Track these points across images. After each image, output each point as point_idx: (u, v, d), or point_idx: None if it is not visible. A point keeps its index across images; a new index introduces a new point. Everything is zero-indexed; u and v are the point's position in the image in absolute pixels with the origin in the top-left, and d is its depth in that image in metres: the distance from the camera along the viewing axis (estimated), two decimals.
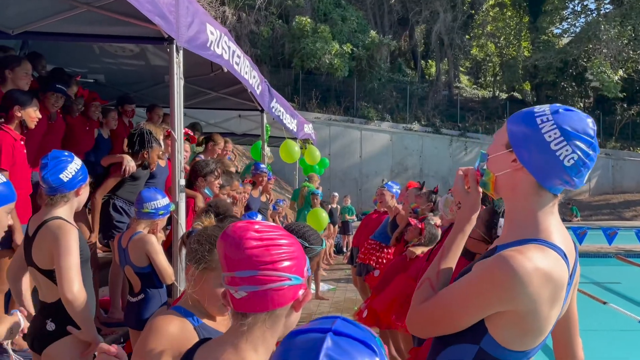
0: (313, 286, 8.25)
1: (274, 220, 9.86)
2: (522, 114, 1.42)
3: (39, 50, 6.58)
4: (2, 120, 3.61)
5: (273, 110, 7.28)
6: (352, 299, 8.21)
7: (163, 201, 3.43)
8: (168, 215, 3.58)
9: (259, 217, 3.93)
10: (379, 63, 26.14)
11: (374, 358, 0.91)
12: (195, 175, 4.66)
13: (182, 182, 3.81)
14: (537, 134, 1.35)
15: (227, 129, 9.73)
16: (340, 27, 25.07)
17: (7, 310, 3.45)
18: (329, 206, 12.38)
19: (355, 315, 4.57)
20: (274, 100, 7.29)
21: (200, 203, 4.44)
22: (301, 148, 10.73)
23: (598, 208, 25.18)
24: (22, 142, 3.63)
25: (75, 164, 2.49)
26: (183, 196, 3.82)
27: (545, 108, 1.39)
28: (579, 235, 10.00)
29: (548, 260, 1.33)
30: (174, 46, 3.78)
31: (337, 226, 12.41)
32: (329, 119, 23.75)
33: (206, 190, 4.62)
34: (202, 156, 6.11)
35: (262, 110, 7.24)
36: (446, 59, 30.32)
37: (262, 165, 6.86)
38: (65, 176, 2.44)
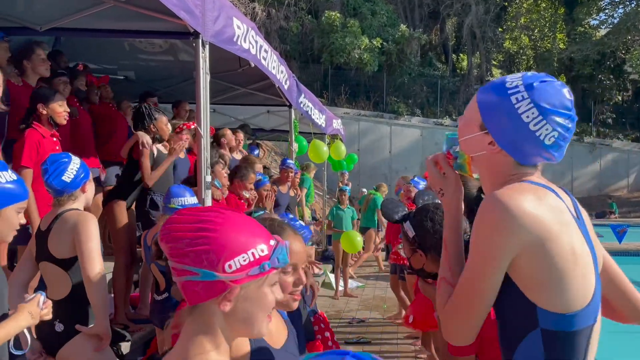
0: (342, 283, 8.16)
1: (302, 218, 9.80)
2: (494, 89, 1.35)
3: (71, 47, 6.66)
4: (32, 118, 3.64)
5: (301, 105, 7.21)
6: (381, 297, 8.09)
7: (191, 199, 3.42)
8: None
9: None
10: (409, 57, 25.81)
11: None
12: None
13: (209, 178, 3.77)
14: (514, 115, 1.30)
15: (256, 124, 9.70)
16: (369, 22, 24.83)
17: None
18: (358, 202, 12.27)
19: (404, 322, 4.45)
20: (302, 95, 7.22)
21: (216, 195, 4.39)
22: (328, 144, 10.66)
23: (637, 204, 24.35)
24: (54, 139, 3.64)
25: (74, 164, 2.52)
26: (209, 193, 3.78)
27: (518, 82, 1.32)
28: (618, 233, 9.63)
29: (534, 189, 1.32)
30: (200, 40, 3.74)
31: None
32: (358, 114, 23.58)
33: (215, 182, 4.56)
34: (223, 152, 6.11)
35: (290, 106, 7.17)
36: (478, 53, 29.75)
37: (289, 161, 6.80)
38: (68, 177, 2.48)
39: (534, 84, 1.30)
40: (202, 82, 3.77)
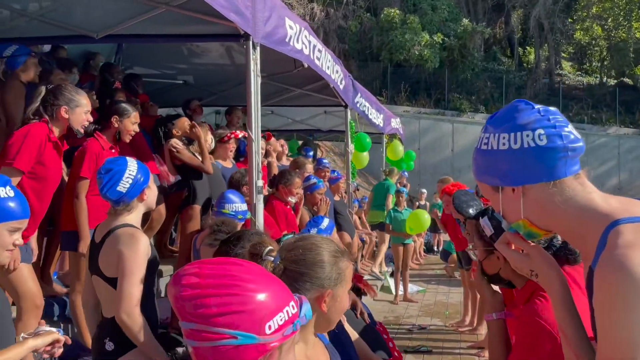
0: (401, 287, 7.93)
1: (360, 218, 9.64)
2: (475, 156, 1.28)
3: (132, 53, 6.83)
4: (98, 127, 3.69)
5: (357, 105, 7.06)
6: (442, 302, 7.80)
7: (243, 206, 3.37)
8: (242, 223, 3.50)
9: (326, 222, 3.72)
10: (472, 52, 25.04)
11: None
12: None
13: (260, 183, 3.69)
14: (495, 153, 1.21)
15: (313, 125, 9.64)
16: (430, 17, 24.29)
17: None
18: (417, 203, 11.97)
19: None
20: (359, 95, 7.06)
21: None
22: (386, 143, 10.44)
23: None
24: (112, 151, 3.67)
25: (130, 170, 2.38)
26: (261, 197, 3.70)
27: (481, 134, 1.27)
28: None
29: None
30: (250, 42, 3.66)
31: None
32: (419, 112, 23.10)
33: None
34: (270, 160, 6.09)
35: (346, 106, 7.03)
36: (546, 45, 28.44)
37: (325, 160, 6.68)
38: (123, 187, 2.36)
39: (491, 119, 1.26)
40: (253, 85, 3.71)
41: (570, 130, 1.19)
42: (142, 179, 2.41)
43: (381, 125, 8.69)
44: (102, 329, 2.42)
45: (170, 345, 4.26)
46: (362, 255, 9.34)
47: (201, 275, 0.97)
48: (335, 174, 6.72)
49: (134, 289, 2.26)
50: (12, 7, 3.95)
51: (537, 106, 1.22)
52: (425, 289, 8.75)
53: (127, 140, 3.79)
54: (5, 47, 4.02)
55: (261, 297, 0.96)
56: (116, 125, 3.69)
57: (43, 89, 3.13)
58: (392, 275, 8.36)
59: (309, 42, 4.72)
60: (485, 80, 25.84)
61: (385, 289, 8.38)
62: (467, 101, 24.39)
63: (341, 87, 6.12)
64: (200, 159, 4.41)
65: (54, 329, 1.81)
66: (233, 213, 3.39)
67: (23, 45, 4.04)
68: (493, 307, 1.41)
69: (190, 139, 4.56)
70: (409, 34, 22.83)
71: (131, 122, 3.74)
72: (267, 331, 0.95)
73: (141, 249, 2.31)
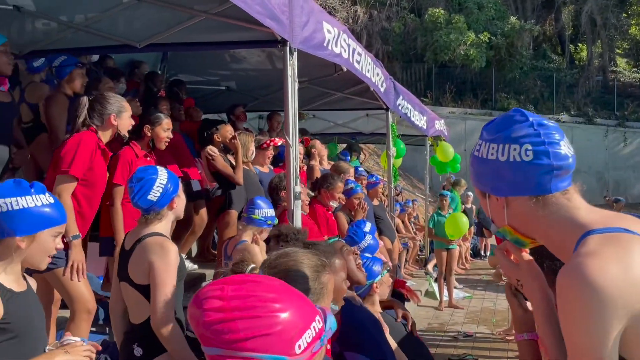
0: (446, 293, 7.75)
1: (403, 222, 9.50)
2: (470, 160, 1.32)
3: (176, 61, 6.99)
4: (133, 135, 3.78)
5: (399, 107, 6.96)
6: (489, 309, 7.57)
7: (271, 212, 3.39)
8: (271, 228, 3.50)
9: (368, 226, 3.69)
10: (520, 51, 24.35)
11: None
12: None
13: (298, 188, 3.68)
14: (484, 162, 1.25)
15: (355, 128, 9.58)
16: (476, 16, 23.78)
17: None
18: (464, 206, 11.69)
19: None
20: (401, 97, 6.96)
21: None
22: (432, 145, 10.25)
23: None
24: (147, 159, 3.75)
25: (160, 180, 2.41)
26: (299, 203, 3.69)
27: (478, 139, 1.31)
28: None
29: (616, 241, 1.08)
30: (288, 48, 3.66)
31: (472, 228, 11.65)
32: (465, 112, 22.63)
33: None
34: (312, 163, 6.08)
35: (387, 109, 6.94)
36: (599, 41, 27.33)
37: (360, 168, 6.60)
38: (154, 195, 2.39)
39: (485, 128, 1.28)
40: (290, 90, 3.69)
41: (562, 147, 1.19)
42: (172, 188, 2.45)
43: (424, 127, 8.54)
44: (131, 334, 2.46)
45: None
46: (405, 260, 9.21)
47: (224, 297, 0.93)
48: (374, 178, 6.65)
49: (167, 298, 2.29)
50: (60, 19, 4.09)
51: (532, 118, 1.22)
52: (471, 295, 8.52)
53: (162, 148, 3.86)
54: (55, 57, 4.15)
55: (288, 316, 0.93)
56: (148, 133, 3.77)
57: (85, 99, 3.21)
58: (436, 280, 8.19)
59: (348, 45, 4.68)
60: (535, 79, 25.09)
61: (430, 294, 8.21)
62: (515, 101, 23.73)
63: (382, 89, 6.05)
64: (230, 172, 4.48)
65: (78, 340, 1.82)
66: (262, 219, 3.42)
67: (71, 56, 4.16)
68: (525, 326, 1.34)
69: (228, 148, 4.62)
70: (454, 33, 22.43)
71: (163, 130, 3.80)
72: (297, 351, 0.92)
73: (172, 258, 2.34)
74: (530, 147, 1.19)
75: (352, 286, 2.59)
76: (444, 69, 24.26)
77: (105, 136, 3.26)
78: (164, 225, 2.47)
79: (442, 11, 23.29)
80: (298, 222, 3.64)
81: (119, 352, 2.50)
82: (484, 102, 23.78)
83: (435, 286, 8.20)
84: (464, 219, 7.34)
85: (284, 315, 0.92)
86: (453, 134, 15.87)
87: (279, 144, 5.02)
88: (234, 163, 4.51)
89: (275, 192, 4.36)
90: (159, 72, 6.71)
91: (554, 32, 28.77)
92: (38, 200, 1.82)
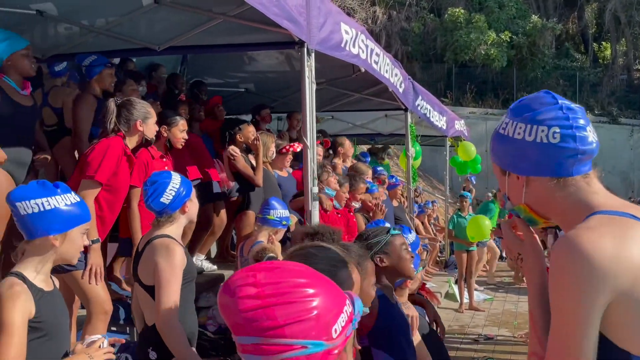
0: (467, 295, 7.67)
1: (422, 224, 9.43)
2: (493, 137, 1.35)
3: (196, 64, 7.04)
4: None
5: (418, 108, 6.92)
6: (511, 312, 7.47)
7: (286, 212, 3.42)
8: (286, 229, 3.52)
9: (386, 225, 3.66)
10: (542, 50, 24.00)
11: None
12: None
13: (315, 189, 3.67)
14: (509, 140, 1.27)
15: (374, 129, 9.56)
16: (497, 15, 23.52)
17: None
18: None
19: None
20: (420, 97, 6.92)
21: (325, 204, 4.32)
22: (452, 146, 10.16)
23: None
24: (164, 159, 3.79)
25: (173, 183, 2.46)
26: (316, 204, 3.68)
27: (503, 117, 1.34)
28: None
29: (615, 222, 1.13)
30: (305, 49, 3.66)
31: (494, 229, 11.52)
32: (486, 112, 22.37)
33: (327, 190, 4.50)
34: (335, 161, 6.06)
35: (406, 109, 6.91)
36: (623, 39, 26.80)
37: (380, 168, 6.58)
38: (167, 198, 2.43)
39: (512, 107, 1.30)
40: (308, 92, 3.70)
41: (587, 133, 1.22)
42: (184, 192, 2.49)
43: (444, 127, 8.47)
44: (145, 337, 2.49)
45: (231, 350, 4.33)
46: (425, 262, 9.14)
47: (258, 284, 0.92)
48: (394, 179, 6.62)
49: (170, 299, 2.32)
50: (81, 23, 4.16)
51: (561, 101, 1.25)
52: (492, 297, 8.42)
53: (179, 147, 3.90)
54: (85, 56, 4.18)
55: (323, 300, 0.92)
56: (165, 134, 3.80)
57: (113, 105, 3.25)
58: (456, 282, 8.11)
59: (366, 46, 4.67)
60: (557, 78, 24.69)
61: (450, 296, 8.14)
62: None
63: (400, 90, 6.02)
64: (250, 173, 4.49)
65: (100, 337, 1.88)
66: (277, 219, 3.44)
67: (102, 56, 4.20)
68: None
69: (249, 148, 4.63)
70: (475, 33, 22.22)
71: (179, 130, 3.84)
72: (334, 335, 0.92)
73: (176, 259, 2.37)
74: (558, 130, 1.21)
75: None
76: (464, 69, 24.04)
77: (131, 142, 3.31)
78: (175, 228, 2.50)
79: (462, 11, 23.09)
80: (316, 222, 3.64)
81: (136, 354, 2.53)
82: (506, 101, 23.47)
83: (455, 288, 8.12)
84: (486, 222, 7.25)
85: (319, 300, 0.92)
86: (474, 134, 15.68)
87: (298, 149, 5.04)
88: (254, 164, 4.52)
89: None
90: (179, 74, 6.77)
91: (577, 30, 28.31)
92: (67, 200, 1.88)
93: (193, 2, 3.78)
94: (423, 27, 24.14)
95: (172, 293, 2.32)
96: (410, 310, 2.55)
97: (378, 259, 2.27)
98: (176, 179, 2.49)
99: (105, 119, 3.24)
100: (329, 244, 1.57)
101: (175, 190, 2.45)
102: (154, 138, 3.45)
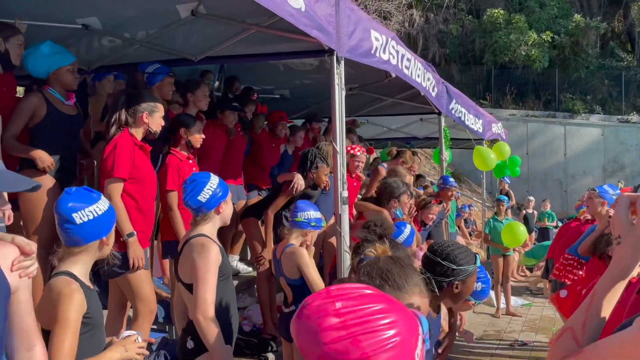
0: (504, 301, 7.58)
1: (459, 227, 9.36)
2: None
3: (233, 72, 7.24)
4: (170, 142, 4.00)
5: (452, 112, 6.90)
6: (550, 317, 7.33)
7: (316, 214, 3.48)
8: (319, 230, 3.59)
9: (407, 229, 3.69)
10: (585, 49, 23.32)
11: None
12: (388, 197, 4.66)
13: (345, 194, 3.74)
14: None
15: (409, 133, 9.56)
16: (538, 15, 23.01)
17: None
18: (524, 211, 11.38)
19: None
20: (454, 101, 6.90)
21: None
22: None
23: None
24: (190, 161, 3.95)
25: (211, 183, 2.58)
26: (346, 208, 3.75)
27: None
28: None
29: None
30: (335, 57, 3.75)
31: (533, 234, 11.29)
32: (526, 114, 21.91)
33: (397, 212, 4.55)
34: (385, 165, 6.08)
35: (439, 113, 6.90)
36: None
37: (451, 179, 6.48)
38: (203, 197, 2.56)
39: None
40: (337, 98, 3.78)
41: None
42: (220, 193, 2.61)
43: (480, 131, 8.39)
44: (186, 329, 2.63)
45: (261, 349, 4.45)
46: None
47: (340, 314, 0.89)
48: (466, 209, 6.63)
49: (207, 295, 2.44)
50: (123, 36, 4.38)
51: None
52: (531, 302, 8.29)
53: (198, 147, 4.06)
54: (148, 64, 4.36)
55: (403, 326, 0.90)
56: (185, 136, 3.95)
57: (124, 97, 3.40)
58: (492, 287, 8.02)
59: (397, 52, 4.72)
60: (602, 78, 23.94)
61: (486, 301, 8.05)
62: (581, 101, 22.76)
63: (433, 94, 6.03)
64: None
65: (134, 333, 2.01)
66: (305, 221, 3.51)
67: (164, 65, 4.38)
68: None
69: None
70: (515, 34, 21.81)
71: (198, 132, 4.01)
72: (419, 355, 0.92)
73: (211, 256, 2.50)
74: None
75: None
76: (504, 70, 23.62)
77: (137, 133, 3.41)
78: (210, 227, 2.62)
79: (502, 11, 22.71)
80: (345, 226, 3.71)
81: (178, 344, 2.68)
82: (548, 103, 22.94)
83: (491, 293, 8.03)
84: (521, 228, 7.15)
85: (400, 326, 0.90)
86: (514, 136, 15.40)
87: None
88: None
89: (391, 197, 4.63)
90: (217, 82, 6.98)
91: (623, 29, 27.38)
92: (106, 203, 2.05)
93: (228, 14, 3.93)
94: (461, 28, 23.86)
95: (207, 289, 2.45)
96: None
97: (455, 285, 2.14)
98: (214, 180, 2.62)
99: (114, 109, 3.34)
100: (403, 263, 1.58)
101: (212, 190, 2.57)
102: (157, 131, 3.53)
